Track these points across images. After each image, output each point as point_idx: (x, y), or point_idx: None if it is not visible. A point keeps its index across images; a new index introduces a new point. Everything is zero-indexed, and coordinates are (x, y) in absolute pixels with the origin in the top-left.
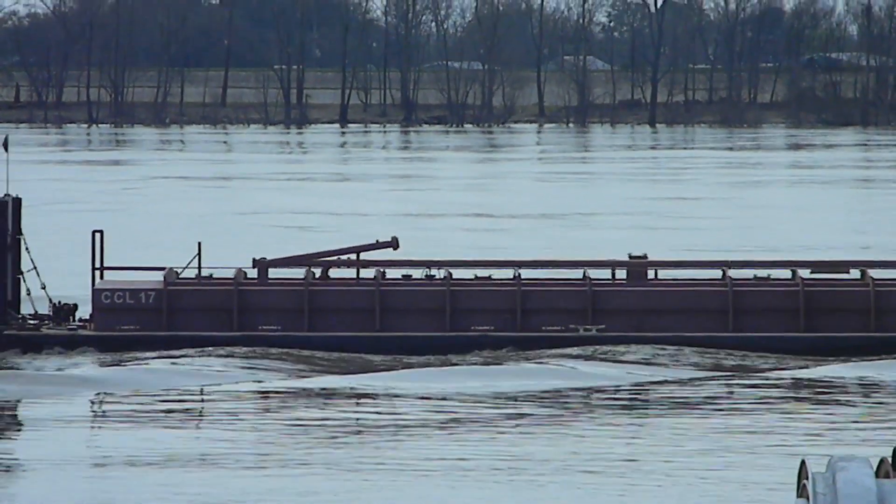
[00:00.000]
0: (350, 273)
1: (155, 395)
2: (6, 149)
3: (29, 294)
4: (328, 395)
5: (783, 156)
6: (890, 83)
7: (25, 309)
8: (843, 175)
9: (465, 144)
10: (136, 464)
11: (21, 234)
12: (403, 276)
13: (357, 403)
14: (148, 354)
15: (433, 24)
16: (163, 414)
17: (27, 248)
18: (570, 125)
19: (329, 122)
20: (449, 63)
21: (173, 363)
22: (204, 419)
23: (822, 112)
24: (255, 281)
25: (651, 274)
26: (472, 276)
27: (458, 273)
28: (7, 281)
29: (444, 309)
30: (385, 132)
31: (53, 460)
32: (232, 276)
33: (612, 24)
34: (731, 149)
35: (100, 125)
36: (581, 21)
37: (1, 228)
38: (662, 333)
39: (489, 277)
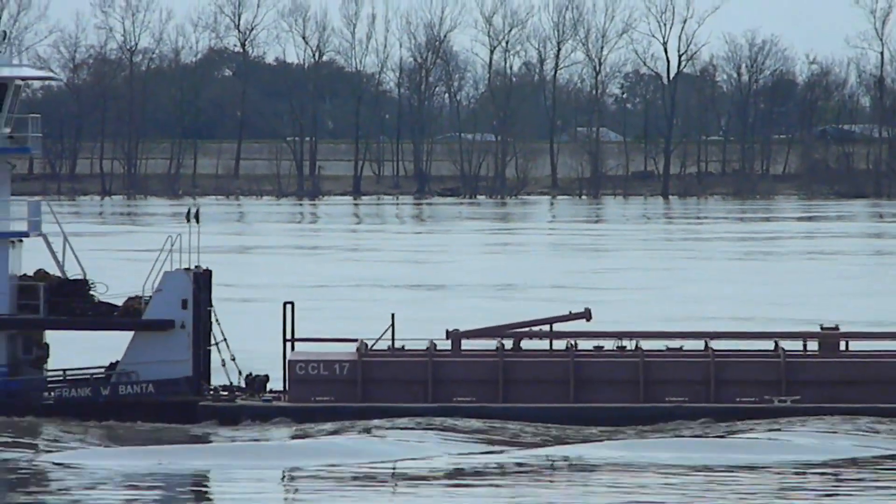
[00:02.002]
0: (541, 343)
1: (350, 467)
2: (197, 220)
3: (224, 365)
4: (522, 468)
5: (797, 227)
6: None
7: (217, 380)
8: (858, 246)
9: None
10: None
11: (211, 305)
12: (595, 347)
13: (551, 478)
14: (343, 426)
15: (446, 95)
16: (358, 486)
17: (217, 320)
18: (583, 197)
19: (342, 194)
20: (462, 134)
21: (368, 435)
22: (400, 491)
23: (834, 184)
24: (449, 352)
25: (842, 345)
26: (664, 348)
27: (647, 344)
28: (200, 353)
29: (638, 380)
30: (398, 204)
31: None
32: (424, 348)
33: (624, 95)
34: (742, 220)
35: (113, 197)
36: (594, 93)
37: (195, 300)
38: (858, 404)
39: (680, 349)
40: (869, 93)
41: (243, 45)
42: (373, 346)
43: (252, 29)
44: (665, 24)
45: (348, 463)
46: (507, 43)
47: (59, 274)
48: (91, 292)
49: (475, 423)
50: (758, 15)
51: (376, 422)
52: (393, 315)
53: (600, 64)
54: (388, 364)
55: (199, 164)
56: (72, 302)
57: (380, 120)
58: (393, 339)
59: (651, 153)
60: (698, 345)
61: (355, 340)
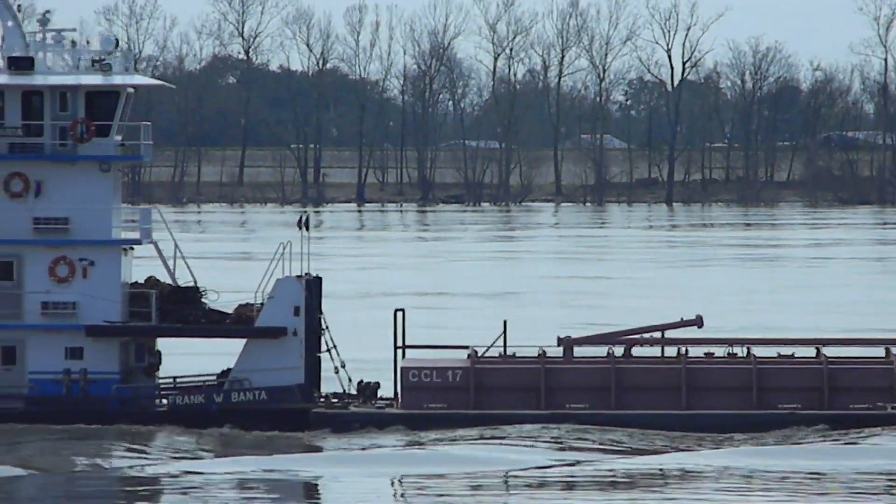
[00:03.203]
0: (651, 350)
1: (462, 475)
2: (307, 228)
3: (337, 372)
4: (634, 475)
5: (803, 234)
6: None
7: (326, 387)
8: (863, 252)
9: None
10: None
11: (321, 312)
12: (706, 354)
13: (664, 486)
14: (455, 433)
15: (450, 103)
16: (470, 494)
17: (327, 327)
18: (587, 204)
19: (346, 202)
20: (466, 142)
21: (481, 442)
22: (512, 500)
23: (838, 191)
24: (561, 359)
25: None
26: (775, 354)
27: (758, 350)
28: (312, 360)
29: (751, 387)
30: (402, 211)
31: None
32: (535, 355)
33: (629, 102)
34: (749, 226)
35: None
36: (598, 100)
37: (308, 308)
38: None
39: (792, 355)
40: (873, 99)
41: (247, 52)
42: (485, 353)
43: (256, 36)
44: (669, 32)
45: (459, 472)
46: (511, 50)
47: (169, 281)
48: (202, 300)
49: (587, 430)
50: (762, 22)
51: (488, 429)
52: (505, 322)
53: (604, 71)
54: (500, 371)
55: (203, 171)
56: (183, 309)
57: (384, 127)
58: (505, 346)
59: (655, 160)
60: (809, 351)
61: (465, 347)
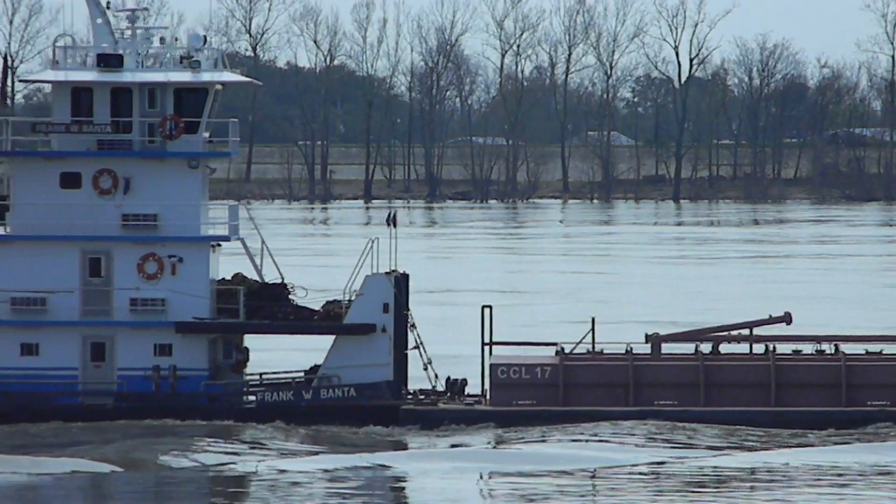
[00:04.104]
0: (738, 347)
1: (551, 473)
2: (394, 224)
3: (425, 369)
4: (721, 474)
5: (810, 231)
6: None
7: (412, 384)
8: (868, 250)
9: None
10: None
11: (408, 309)
12: (794, 350)
13: (753, 483)
14: (544, 430)
15: (457, 99)
16: (558, 493)
17: (413, 324)
18: (595, 200)
19: (353, 198)
20: (473, 138)
21: (570, 439)
22: (600, 499)
23: (845, 188)
24: (649, 356)
25: None
26: (864, 351)
27: (846, 347)
28: (401, 357)
29: (840, 384)
30: (410, 208)
31: None
32: (623, 352)
33: (636, 99)
34: (757, 223)
35: None
36: (605, 96)
37: (397, 304)
38: None
39: (881, 352)
40: (880, 96)
41: (254, 49)
42: (573, 349)
43: (263, 33)
44: (676, 28)
45: (548, 470)
46: (518, 47)
47: (257, 278)
48: (290, 296)
49: (675, 427)
50: (769, 19)
51: (577, 426)
52: (593, 319)
53: (611, 68)
54: (589, 368)
55: None
56: (271, 306)
57: (391, 124)
58: (593, 343)
59: (662, 157)
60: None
61: (553, 344)
